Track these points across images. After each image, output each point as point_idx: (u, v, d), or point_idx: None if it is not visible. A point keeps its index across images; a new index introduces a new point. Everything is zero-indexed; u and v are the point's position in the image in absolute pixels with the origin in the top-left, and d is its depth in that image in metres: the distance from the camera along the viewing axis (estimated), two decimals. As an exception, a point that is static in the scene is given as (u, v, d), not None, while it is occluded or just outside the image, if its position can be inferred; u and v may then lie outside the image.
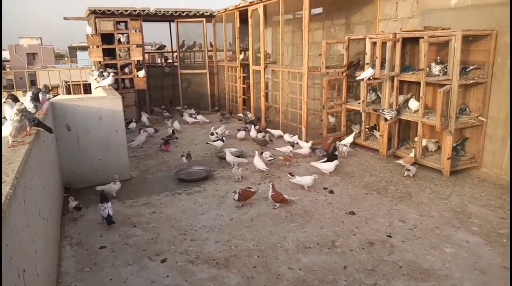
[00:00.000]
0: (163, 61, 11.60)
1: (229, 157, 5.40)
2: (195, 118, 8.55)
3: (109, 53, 8.85)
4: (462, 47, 4.59)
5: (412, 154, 5.12)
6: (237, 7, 8.32)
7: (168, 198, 4.46)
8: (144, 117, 8.41)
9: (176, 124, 7.59)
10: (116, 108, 4.93)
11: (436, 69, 4.91)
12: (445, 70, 4.80)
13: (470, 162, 5.06)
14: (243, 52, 8.90)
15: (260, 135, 6.46)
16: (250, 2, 7.67)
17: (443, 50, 5.04)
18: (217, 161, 5.83)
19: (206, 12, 9.61)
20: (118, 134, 4.97)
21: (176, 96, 10.27)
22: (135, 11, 8.83)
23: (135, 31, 8.83)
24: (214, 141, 6.54)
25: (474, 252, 3.17)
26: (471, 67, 4.87)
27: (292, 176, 4.64)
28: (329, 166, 5.01)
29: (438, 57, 5.07)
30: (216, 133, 6.82)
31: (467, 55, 4.94)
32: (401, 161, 5.12)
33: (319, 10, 8.09)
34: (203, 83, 10.07)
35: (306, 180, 4.50)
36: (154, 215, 4.03)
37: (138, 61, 9.22)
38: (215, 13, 9.59)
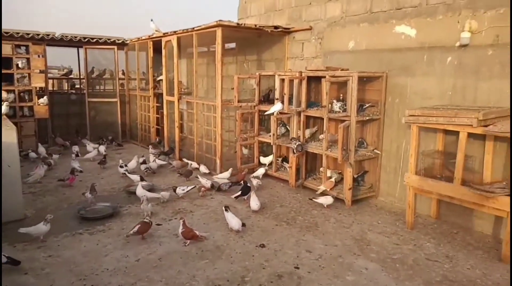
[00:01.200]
0: (69, 87, 10.90)
1: (140, 191, 5.18)
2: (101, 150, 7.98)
3: (6, 78, 8.06)
4: (359, 87, 5.06)
5: (333, 178, 5.41)
6: (150, 37, 8.23)
7: (68, 239, 4.09)
8: (42, 148, 7.74)
9: (75, 164, 6.76)
10: (9, 141, 4.48)
11: (337, 106, 5.33)
12: (345, 107, 5.24)
13: (369, 191, 5.50)
14: (158, 83, 8.78)
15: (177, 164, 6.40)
16: (164, 34, 7.65)
17: (343, 88, 5.51)
18: (125, 196, 5.54)
19: (118, 39, 9.33)
20: (11, 169, 4.49)
21: (83, 125, 9.65)
22: (38, 35, 8.24)
23: (38, 56, 8.21)
24: (123, 173, 6.27)
25: (372, 278, 3.39)
26: (367, 105, 5.39)
27: (227, 210, 4.41)
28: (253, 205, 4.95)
29: (339, 95, 5.53)
30: (125, 166, 6.52)
31: (363, 93, 5.46)
32: (321, 187, 5.36)
33: (233, 45, 8.36)
34: (114, 112, 9.65)
35: (235, 224, 4.31)
36: (50, 259, 3.65)
37: (41, 87, 8.54)
38: (128, 41, 9.37)
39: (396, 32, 5.07)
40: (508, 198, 3.53)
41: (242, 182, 5.53)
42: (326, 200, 5.06)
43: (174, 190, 5.33)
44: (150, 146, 7.96)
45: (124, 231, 4.29)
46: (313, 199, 5.17)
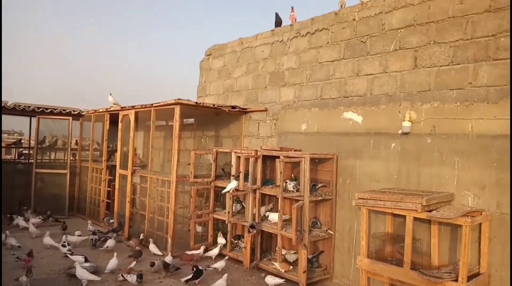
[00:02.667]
0: (16, 156, 10.39)
1: (79, 271, 4.79)
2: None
3: None
4: (311, 167, 5.22)
5: (289, 259, 5.28)
6: (108, 109, 8.23)
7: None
8: None
9: (12, 240, 6.24)
10: None
11: (290, 185, 5.42)
12: (298, 187, 5.33)
13: (324, 273, 5.41)
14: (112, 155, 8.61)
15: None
16: (122, 107, 7.68)
17: (296, 168, 5.64)
18: (65, 279, 5.08)
19: (74, 110, 9.24)
20: None
21: (28, 197, 9.06)
22: (-13, 103, 7.99)
23: (-15, 124, 7.87)
24: (67, 252, 5.82)
25: None
26: (320, 185, 5.51)
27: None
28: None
29: (292, 174, 5.65)
30: (68, 245, 6.06)
31: (316, 173, 5.61)
32: (277, 265, 5.25)
33: (192, 120, 8.51)
34: (63, 183, 9.19)
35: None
36: None
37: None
38: (84, 113, 9.28)
39: (345, 117, 5.40)
40: (455, 283, 3.60)
41: (193, 267, 5.24)
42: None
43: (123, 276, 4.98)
44: (89, 222, 7.53)
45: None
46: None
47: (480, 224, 3.93)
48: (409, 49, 4.83)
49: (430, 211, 3.86)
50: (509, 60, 4.00)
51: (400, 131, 4.74)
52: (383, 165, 4.93)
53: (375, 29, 5.22)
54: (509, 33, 4.03)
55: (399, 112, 4.78)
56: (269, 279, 5.01)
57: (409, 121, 4.61)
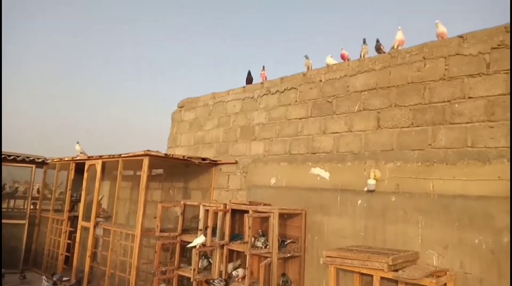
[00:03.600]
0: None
1: None
2: None
3: None
4: (280, 222, 5.20)
5: None
6: (74, 158, 8.02)
7: None
8: None
9: None
10: None
11: (259, 242, 5.33)
12: (267, 243, 5.25)
13: (292, 334, 5.21)
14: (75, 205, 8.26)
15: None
16: (89, 157, 7.52)
17: (265, 222, 5.60)
18: None
19: (38, 158, 8.94)
20: None
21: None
22: None
23: None
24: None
25: None
26: (289, 241, 5.46)
27: None
28: None
29: (261, 229, 5.58)
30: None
31: (285, 229, 5.58)
32: None
33: (160, 170, 8.39)
34: (19, 235, 8.66)
35: None
36: None
37: None
38: (48, 161, 9.00)
39: (312, 173, 5.51)
40: None
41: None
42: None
43: None
44: (44, 278, 7.04)
45: None
46: None
47: (445, 284, 3.97)
48: (373, 111, 5.09)
49: (396, 270, 3.88)
50: (463, 125, 4.28)
51: (365, 189, 4.85)
52: (350, 221, 4.98)
53: (340, 91, 5.50)
54: (462, 100, 4.34)
55: (364, 170, 4.93)
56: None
57: (374, 179, 4.75)
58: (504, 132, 4.00)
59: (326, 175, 5.36)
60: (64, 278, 7.31)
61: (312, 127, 5.78)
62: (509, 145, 3.95)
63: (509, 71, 4.07)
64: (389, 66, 5.04)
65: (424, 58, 4.72)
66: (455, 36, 4.58)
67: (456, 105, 4.38)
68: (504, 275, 3.77)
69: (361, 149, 5.12)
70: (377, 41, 5.49)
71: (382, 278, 4.01)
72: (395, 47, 5.18)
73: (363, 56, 5.54)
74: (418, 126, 4.64)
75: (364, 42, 5.62)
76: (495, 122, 4.08)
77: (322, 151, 5.56)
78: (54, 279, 7.13)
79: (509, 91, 4.04)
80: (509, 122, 3.99)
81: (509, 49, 4.10)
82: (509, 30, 4.15)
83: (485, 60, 4.24)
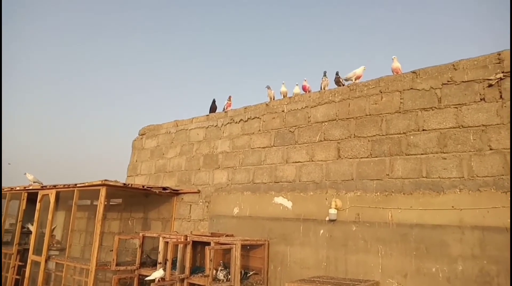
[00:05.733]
0: None
1: None
2: None
3: None
4: (243, 253, 5.10)
5: None
6: (26, 188, 7.59)
7: None
8: None
9: None
10: None
11: (221, 274, 5.19)
12: (229, 276, 5.12)
13: None
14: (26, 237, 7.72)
15: None
16: (42, 186, 7.14)
17: (228, 254, 5.47)
18: None
19: (-14, 187, 8.38)
20: None
21: None
22: None
23: None
24: None
25: None
26: (251, 272, 5.36)
27: None
28: None
29: (223, 261, 5.45)
30: None
31: (247, 260, 5.47)
32: None
33: (119, 200, 8.09)
34: (-39, 271, 7.97)
35: None
36: None
37: None
38: (-2, 190, 8.45)
39: (275, 202, 5.50)
40: None
41: None
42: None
43: None
44: None
45: None
46: None
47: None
48: (333, 141, 5.20)
49: (357, 301, 3.88)
50: (419, 156, 4.45)
51: (327, 218, 4.89)
52: (313, 251, 4.97)
53: (302, 121, 5.60)
54: (416, 132, 4.54)
55: (326, 199, 4.98)
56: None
57: (335, 208, 4.80)
58: (456, 163, 4.19)
59: (289, 204, 5.36)
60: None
61: (275, 156, 5.81)
62: (460, 176, 4.14)
63: (458, 106, 4.31)
64: (348, 98, 5.21)
65: (381, 92, 4.93)
66: (409, 71, 4.83)
67: (412, 137, 4.56)
68: (460, 304, 3.86)
69: (323, 179, 5.19)
70: (337, 73, 5.69)
71: (344, 310, 3.99)
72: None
73: (324, 88, 5.71)
74: (376, 157, 4.78)
75: (325, 75, 5.81)
76: (448, 153, 4.28)
77: (285, 180, 5.58)
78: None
79: (458, 124, 4.26)
80: (460, 154, 4.19)
81: (457, 85, 4.37)
82: (456, 67, 4.43)
83: (437, 95, 4.49)
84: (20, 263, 7.72)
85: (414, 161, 4.48)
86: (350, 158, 5.00)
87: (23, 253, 7.79)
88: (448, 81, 4.45)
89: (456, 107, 4.33)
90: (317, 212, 5.04)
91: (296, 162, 5.54)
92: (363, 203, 4.67)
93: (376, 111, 4.92)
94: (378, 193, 4.59)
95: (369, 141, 4.89)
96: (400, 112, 4.72)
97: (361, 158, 4.90)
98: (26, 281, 7.11)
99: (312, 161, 5.36)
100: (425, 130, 4.50)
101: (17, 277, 7.64)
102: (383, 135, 4.79)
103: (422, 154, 4.45)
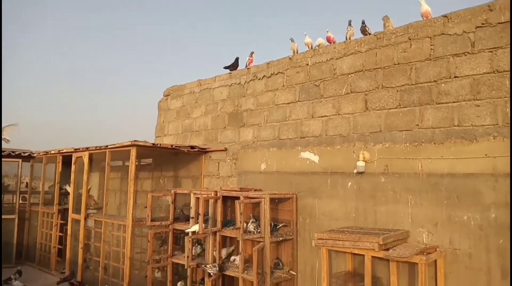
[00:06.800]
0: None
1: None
2: None
3: None
4: (271, 206, 5.23)
5: None
6: (60, 151, 7.90)
7: None
8: None
9: None
10: None
11: (251, 226, 5.36)
12: (259, 228, 5.29)
13: (287, 316, 5.31)
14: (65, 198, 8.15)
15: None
16: (75, 149, 7.41)
17: (257, 208, 5.62)
18: None
19: (24, 152, 8.80)
20: None
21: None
22: None
23: None
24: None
25: None
26: (280, 225, 5.51)
27: None
28: None
29: (252, 214, 5.61)
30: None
31: (276, 213, 5.62)
32: None
33: (149, 160, 8.34)
34: (10, 229, 8.59)
35: None
36: None
37: None
38: (35, 154, 8.86)
39: (302, 157, 5.52)
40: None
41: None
42: None
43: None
44: (12, 276, 6.95)
45: None
46: None
47: (436, 260, 4.06)
48: (360, 93, 5.09)
49: (387, 249, 3.94)
50: (450, 104, 4.31)
51: (355, 171, 4.89)
52: (341, 203, 5.03)
53: (327, 74, 5.48)
54: (448, 79, 4.36)
55: (354, 152, 4.95)
56: None
57: (363, 161, 4.78)
58: (490, 110, 4.05)
59: (315, 158, 5.38)
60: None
61: (300, 112, 5.77)
62: (494, 123, 4.00)
63: (493, 50, 4.09)
64: (375, 48, 5.02)
65: (410, 39, 4.72)
66: (440, 15, 4.57)
67: (443, 85, 4.40)
68: (491, 250, 3.87)
69: (350, 132, 5.14)
70: (363, 22, 5.46)
71: (373, 257, 4.07)
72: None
73: (349, 39, 5.51)
74: (405, 107, 4.66)
75: (350, 24, 5.58)
76: (481, 100, 4.12)
77: (311, 135, 5.57)
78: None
79: (493, 69, 4.06)
80: (494, 100, 4.03)
81: (492, 28, 4.11)
82: (492, 8, 4.15)
83: (470, 39, 4.25)
84: (62, 222, 8.22)
85: (445, 110, 4.35)
86: (378, 110, 4.90)
87: (63, 213, 8.27)
88: (483, 24, 4.19)
89: (491, 51, 4.11)
90: (344, 165, 5.05)
91: (322, 116, 5.48)
92: (392, 154, 4.63)
93: (405, 59, 4.73)
94: (408, 144, 4.53)
95: (397, 91, 4.75)
96: (430, 60, 4.53)
97: (390, 109, 4.79)
98: (68, 237, 7.60)
99: (339, 114, 5.29)
100: (457, 77, 4.32)
101: (60, 234, 8.17)
102: (412, 85, 4.64)
103: (453, 102, 4.30)
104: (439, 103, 4.40)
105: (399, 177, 4.54)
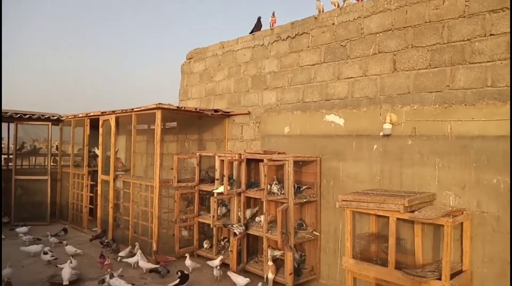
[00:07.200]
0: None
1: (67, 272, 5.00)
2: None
3: None
4: (295, 169, 5.27)
5: (273, 257, 5.32)
6: (88, 115, 8.09)
7: None
8: None
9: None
10: None
11: (275, 188, 5.45)
12: (283, 190, 5.36)
13: (310, 274, 5.47)
14: (94, 160, 8.42)
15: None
16: (102, 112, 7.56)
17: (281, 170, 5.68)
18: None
19: (53, 116, 9.05)
20: None
21: (8, 205, 8.84)
22: (-38, 110, 7.75)
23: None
24: (48, 261, 5.76)
25: None
26: (304, 187, 5.57)
27: None
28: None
29: (276, 176, 5.68)
30: (50, 252, 5.99)
31: (300, 175, 5.66)
32: (269, 274, 5.16)
33: (174, 123, 8.45)
34: (43, 190, 9.02)
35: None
36: None
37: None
38: (63, 118, 9.11)
39: (327, 120, 5.47)
40: (439, 282, 3.69)
41: (178, 271, 5.24)
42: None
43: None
44: (49, 233, 7.35)
45: None
46: None
47: (462, 223, 4.04)
48: (388, 53, 4.92)
49: (412, 211, 3.95)
50: (484, 64, 4.13)
51: (381, 133, 4.82)
52: (366, 166, 5.02)
53: (354, 33, 5.30)
54: (483, 37, 4.15)
55: (380, 114, 4.86)
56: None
57: (389, 123, 4.70)
58: (527, 70, 3.86)
59: (340, 121, 5.32)
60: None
61: (325, 73, 5.65)
62: (531, 82, 3.83)
63: (535, 4, 3.84)
64: (405, 5, 4.79)
65: (444, -6, 4.47)
66: (477, -32, 4.28)
67: (477, 43, 4.20)
68: (520, 213, 3.82)
69: (377, 94, 5.03)
70: (393, -23, 5.18)
71: (398, 219, 4.09)
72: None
73: (378, -5, 5.26)
74: (436, 67, 4.50)
75: (379, -21, 5.30)
76: (518, 59, 3.92)
77: (336, 97, 5.48)
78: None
79: (534, 25, 3.84)
80: (533, 58, 3.83)
81: (536, -21, 3.84)
82: (537, -42, 3.86)
83: (510, -7, 3.99)
84: (92, 183, 8.55)
85: (479, 70, 4.18)
86: (407, 71, 4.75)
87: (93, 174, 8.59)
88: (525, -24, 3.91)
89: (532, 6, 3.86)
90: (370, 128, 4.98)
91: (348, 78, 5.37)
92: (420, 116, 4.52)
93: (437, 17, 4.51)
94: (437, 106, 4.40)
95: (428, 51, 4.57)
96: (464, 17, 4.30)
97: (419, 69, 4.64)
98: (99, 198, 7.93)
99: (366, 75, 5.16)
100: (493, 34, 4.10)
101: (91, 194, 8.52)
102: (444, 44, 4.45)
103: (488, 61, 4.12)
104: (472, 63, 4.22)
105: (427, 139, 4.45)
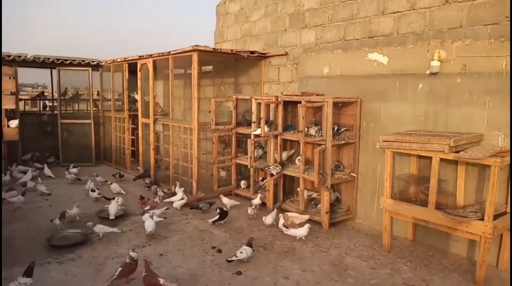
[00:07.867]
0: (41, 109, 10.63)
1: (113, 207, 5.38)
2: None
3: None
4: (334, 111, 5.16)
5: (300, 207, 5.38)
6: (126, 59, 8.17)
7: (35, 270, 3.87)
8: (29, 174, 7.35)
9: (42, 187, 6.71)
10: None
11: (313, 130, 5.39)
12: (320, 132, 5.30)
13: (346, 214, 5.53)
14: (133, 104, 8.62)
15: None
16: (140, 57, 7.61)
17: (319, 112, 5.59)
18: (97, 222, 5.35)
19: (93, 61, 9.22)
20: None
21: (56, 147, 9.38)
22: (9, 56, 8.05)
23: (9, 78, 7.97)
24: (96, 198, 6.16)
25: (350, 306, 3.36)
26: (343, 129, 5.47)
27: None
28: (302, 232, 4.78)
29: (314, 119, 5.60)
30: (98, 190, 6.38)
31: (338, 117, 5.55)
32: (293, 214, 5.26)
33: (210, 67, 8.40)
34: (87, 133, 9.44)
35: (301, 232, 4.76)
36: (14, 292, 3.44)
37: (12, 109, 8.28)
38: (103, 63, 9.27)
39: (369, 59, 5.21)
40: (481, 222, 3.62)
41: (217, 208, 5.44)
42: (300, 231, 4.81)
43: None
44: (95, 174, 7.71)
45: (96, 259, 4.13)
46: (286, 232, 4.91)
47: (509, 164, 3.86)
48: (441, -18, 4.52)
49: (457, 152, 3.80)
50: (552, -10, 3.71)
51: (428, 72, 4.56)
52: (409, 107, 4.82)
53: (404, -39, 4.87)
54: (554, -41, 3.70)
55: (428, 51, 4.57)
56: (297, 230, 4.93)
57: (438, 60, 4.42)
58: None
59: (384, 60, 5.06)
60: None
61: (369, 8, 5.31)
62: None
63: None
64: None
65: None
66: None
67: (545, -33, 3.75)
68: None
69: (425, 29, 4.69)
70: None
71: (441, 160, 3.96)
72: None
73: None
74: (494, -3, 4.09)
75: None
76: None
77: (380, 34, 5.18)
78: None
79: None
80: None
81: None
82: None
83: None
84: (133, 126, 8.83)
85: (545, -2, 3.76)
86: (460, 2, 4.36)
87: (133, 118, 8.84)
88: None
89: None
90: (416, 66, 4.71)
91: (393, 12, 5.02)
92: (471, 52, 4.20)
93: None
94: (492, 40, 4.05)
95: (487, -22, 4.14)
96: None
97: (474, 0, 4.24)
98: (140, 140, 8.22)
99: (413, 9, 4.80)
100: None
101: (132, 137, 8.84)
102: (506, -31, 4.00)
103: (556, -12, 3.69)
104: (538, -10, 3.80)
105: (478, 77, 4.17)
